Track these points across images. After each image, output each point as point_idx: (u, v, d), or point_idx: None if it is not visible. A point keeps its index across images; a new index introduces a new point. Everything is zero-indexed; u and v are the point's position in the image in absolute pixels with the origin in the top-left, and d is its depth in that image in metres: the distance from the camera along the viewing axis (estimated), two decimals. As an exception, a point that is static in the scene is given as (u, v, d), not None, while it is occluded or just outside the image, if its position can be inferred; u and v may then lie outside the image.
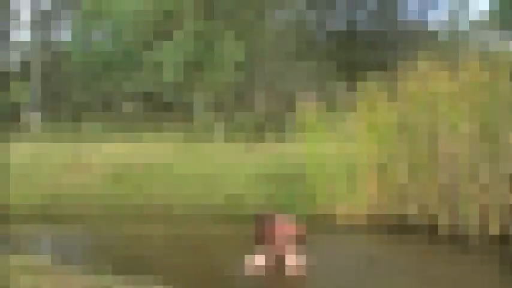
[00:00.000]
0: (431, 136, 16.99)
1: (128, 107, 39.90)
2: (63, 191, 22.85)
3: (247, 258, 12.88)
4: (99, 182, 23.28)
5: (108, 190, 22.75)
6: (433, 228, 16.21)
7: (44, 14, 41.93)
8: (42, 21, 41.79)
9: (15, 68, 42.07)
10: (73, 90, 40.94)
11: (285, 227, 12.88)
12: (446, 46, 32.94)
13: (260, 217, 13.02)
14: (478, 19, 34.57)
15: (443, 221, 16.20)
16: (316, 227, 17.37)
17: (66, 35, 41.69)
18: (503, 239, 14.81)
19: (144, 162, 23.98)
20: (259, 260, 12.73)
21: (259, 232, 12.88)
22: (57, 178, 23.69)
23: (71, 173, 24.00)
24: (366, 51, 37.56)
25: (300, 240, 12.99)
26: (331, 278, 12.07)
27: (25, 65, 42.16)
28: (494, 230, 15.33)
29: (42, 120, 40.81)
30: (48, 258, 13.82)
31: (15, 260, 13.19)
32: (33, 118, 41.22)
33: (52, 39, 41.96)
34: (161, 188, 22.34)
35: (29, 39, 42.01)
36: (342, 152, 19.08)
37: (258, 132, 32.59)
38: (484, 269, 12.41)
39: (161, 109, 38.84)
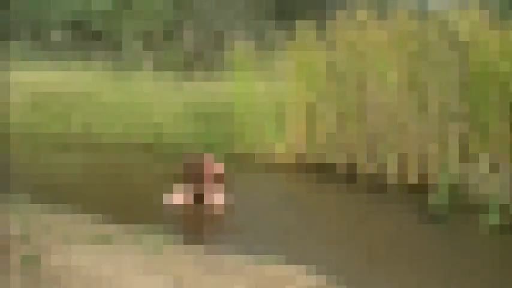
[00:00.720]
0: (360, 85, 17.03)
1: (56, 35, 38.77)
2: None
3: (165, 196, 12.76)
4: (21, 109, 22.58)
5: (29, 118, 22.10)
6: (353, 177, 16.40)
7: None
8: None
9: None
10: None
11: (205, 165, 12.79)
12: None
13: (180, 156, 12.92)
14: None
15: (364, 169, 16.38)
16: (243, 166, 17.34)
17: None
18: (421, 188, 15.10)
19: (70, 90, 23.36)
20: (178, 198, 12.62)
21: (179, 170, 12.78)
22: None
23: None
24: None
25: (218, 179, 12.93)
26: (250, 216, 12.10)
27: None
28: (412, 179, 15.60)
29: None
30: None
31: None
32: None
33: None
34: (86, 116, 21.81)
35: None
36: (271, 92, 18.97)
37: (187, 70, 32.18)
38: (403, 217, 12.65)
39: (89, 38, 37.89)
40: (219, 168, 12.87)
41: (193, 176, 12.73)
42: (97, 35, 37.80)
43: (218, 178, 12.83)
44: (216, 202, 12.67)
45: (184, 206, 12.55)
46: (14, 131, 21.52)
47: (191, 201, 12.66)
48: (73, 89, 23.69)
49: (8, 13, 39.48)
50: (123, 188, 14.23)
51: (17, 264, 8.11)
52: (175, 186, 12.71)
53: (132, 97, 22.90)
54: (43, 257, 8.45)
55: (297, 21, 18.75)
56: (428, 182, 15.17)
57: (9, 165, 16.73)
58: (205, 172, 12.73)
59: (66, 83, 24.67)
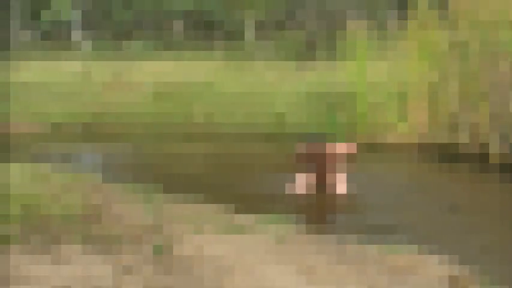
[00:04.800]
0: (483, 59, 16.31)
1: (175, 25, 39.51)
2: (108, 109, 22.73)
3: (287, 186, 12.59)
4: (143, 100, 23.05)
5: (152, 108, 22.51)
6: (484, 157, 15.80)
7: None
8: None
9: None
10: (118, 9, 40.61)
11: (330, 145, 12.53)
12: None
13: (306, 136, 12.67)
14: None
15: (494, 149, 15.75)
16: (366, 153, 16.99)
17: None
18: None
19: (190, 80, 23.62)
20: (300, 188, 12.46)
21: (303, 151, 12.58)
22: (103, 96, 23.56)
23: (116, 91, 23.86)
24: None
25: (350, 158, 12.67)
26: (376, 203, 11.79)
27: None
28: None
29: (90, 39, 40.66)
30: (98, 176, 13.79)
31: (64, 178, 13.14)
32: (82, 36, 41.12)
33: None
34: (206, 106, 21.99)
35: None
36: (392, 79, 18.48)
37: (308, 52, 31.95)
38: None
39: (210, 27, 38.30)
40: (335, 148, 12.52)
41: (308, 156, 12.50)
42: (217, 25, 38.16)
43: (334, 158, 12.50)
44: (338, 191, 12.42)
45: (307, 195, 12.40)
46: (137, 120, 21.92)
47: (313, 190, 12.48)
48: (194, 79, 23.97)
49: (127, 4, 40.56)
50: (245, 178, 14.22)
51: (149, 254, 8.18)
52: (298, 176, 12.54)
53: (253, 86, 22.91)
54: (174, 247, 8.49)
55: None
56: None
57: (135, 155, 17.15)
58: (327, 161, 12.49)
59: (188, 73, 25.01)
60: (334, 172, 12.58)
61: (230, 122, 21.04)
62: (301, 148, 12.62)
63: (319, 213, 11.39)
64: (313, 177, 12.54)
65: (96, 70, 26.61)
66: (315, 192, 12.47)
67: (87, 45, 40.32)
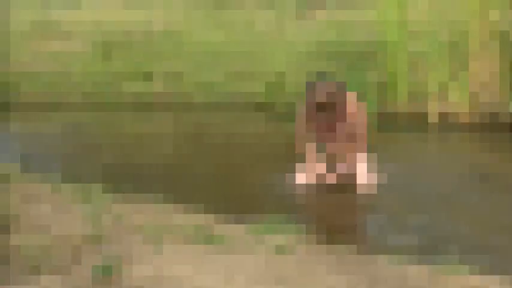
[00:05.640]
0: None
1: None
2: (35, 68, 22.52)
3: (288, 175, 12.40)
4: (85, 59, 22.84)
5: (97, 67, 22.30)
6: None
7: None
8: None
9: None
10: None
11: (351, 103, 12.20)
12: None
13: (311, 94, 12.22)
14: None
15: None
16: (393, 128, 16.95)
17: None
18: None
19: (149, 29, 23.42)
20: (304, 176, 12.25)
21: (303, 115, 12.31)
22: (28, 50, 23.38)
23: (45, 42, 23.66)
24: None
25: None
26: (411, 200, 11.63)
27: None
28: None
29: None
30: (16, 165, 13.80)
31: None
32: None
33: None
34: (175, 66, 21.84)
35: None
36: (442, 23, 18.41)
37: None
38: None
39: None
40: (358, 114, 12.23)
41: (318, 130, 12.22)
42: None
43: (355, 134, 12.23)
44: (359, 181, 12.17)
45: (316, 186, 12.15)
46: (75, 86, 21.79)
47: (328, 178, 12.24)
48: (153, 28, 23.79)
49: None
50: (228, 166, 13.96)
51: (88, 276, 8.17)
52: (298, 165, 12.31)
53: (237, 36, 22.74)
54: (124, 267, 8.50)
55: None
56: None
57: (69, 131, 17.19)
58: (339, 121, 12.12)
59: (145, 20, 24.87)
60: (354, 151, 12.30)
61: (209, 91, 20.85)
62: (302, 110, 12.32)
63: (333, 216, 11.07)
64: (323, 157, 12.28)
65: (17, 15, 26.45)
66: (325, 181, 12.24)
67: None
